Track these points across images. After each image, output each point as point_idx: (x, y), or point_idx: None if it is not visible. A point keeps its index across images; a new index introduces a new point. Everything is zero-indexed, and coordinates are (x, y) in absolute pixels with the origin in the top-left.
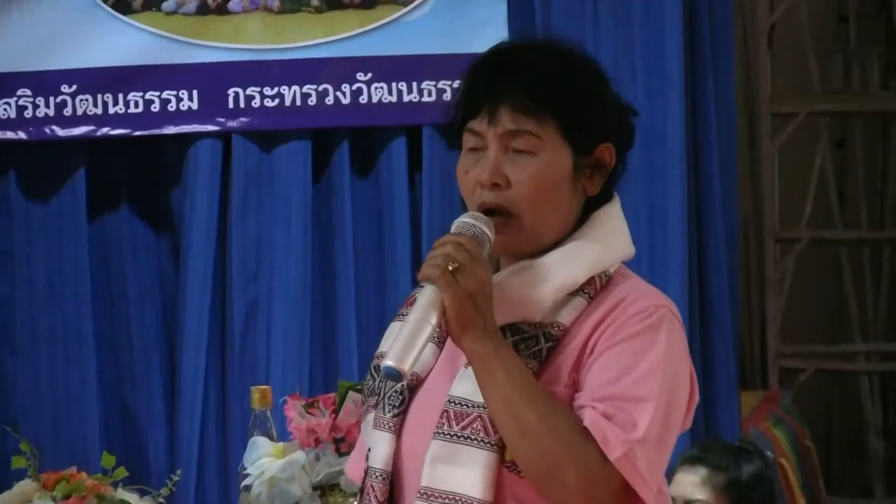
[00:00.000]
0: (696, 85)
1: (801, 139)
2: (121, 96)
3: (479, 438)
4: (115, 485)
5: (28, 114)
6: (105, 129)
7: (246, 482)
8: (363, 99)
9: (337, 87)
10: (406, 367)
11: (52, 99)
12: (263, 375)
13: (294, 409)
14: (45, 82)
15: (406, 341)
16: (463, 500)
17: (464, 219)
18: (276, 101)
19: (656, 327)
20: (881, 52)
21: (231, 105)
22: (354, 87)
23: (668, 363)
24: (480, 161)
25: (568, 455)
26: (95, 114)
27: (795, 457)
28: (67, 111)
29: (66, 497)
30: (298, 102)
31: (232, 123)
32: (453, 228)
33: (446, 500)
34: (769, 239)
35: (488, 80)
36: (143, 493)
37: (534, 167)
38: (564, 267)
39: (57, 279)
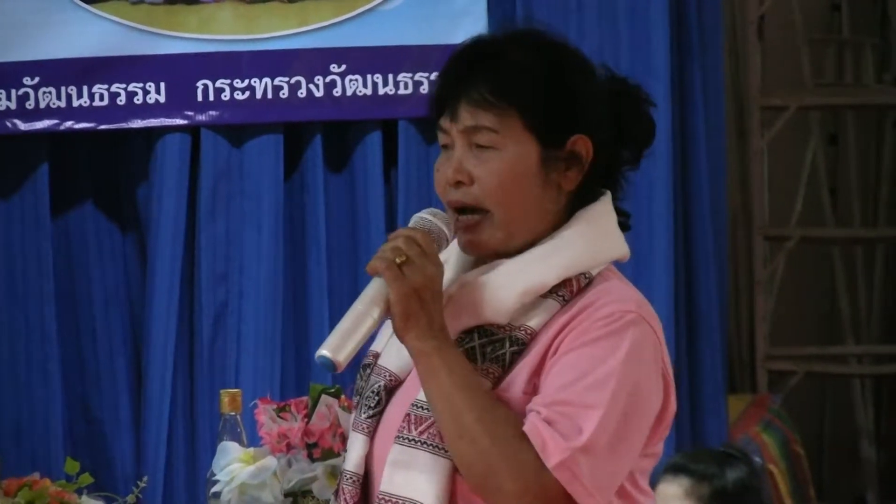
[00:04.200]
0: (684, 77)
1: (792, 134)
2: (85, 89)
3: (434, 444)
4: (79, 492)
5: None
6: (69, 123)
7: (215, 489)
8: (337, 92)
9: (310, 80)
10: (341, 358)
11: (13, 91)
12: (233, 379)
13: (265, 414)
14: (6, 74)
15: (344, 332)
16: None
17: (422, 214)
18: (247, 93)
19: (620, 333)
20: (875, 43)
21: (200, 98)
22: (328, 79)
23: (628, 370)
24: (450, 158)
25: (504, 460)
26: (59, 107)
27: (786, 463)
28: (30, 104)
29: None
30: (270, 95)
31: (201, 117)
32: (410, 223)
33: None
34: (758, 237)
35: (452, 76)
36: (108, 501)
37: (494, 162)
38: (533, 269)
39: (19, 278)
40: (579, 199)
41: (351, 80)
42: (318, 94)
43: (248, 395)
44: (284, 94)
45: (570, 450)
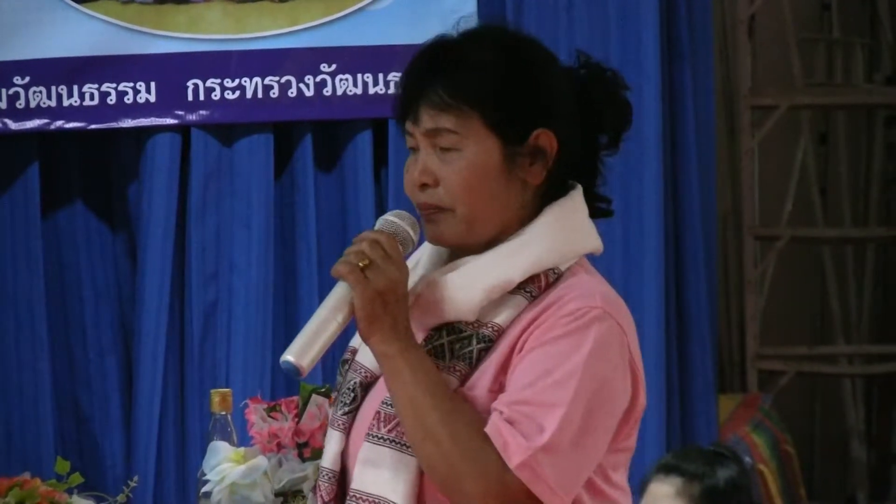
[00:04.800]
0: (674, 77)
1: (783, 133)
2: (75, 88)
3: (402, 442)
4: (69, 491)
5: None
6: (59, 123)
7: (205, 489)
8: (327, 91)
9: (300, 79)
10: (305, 363)
11: (3, 91)
12: (224, 378)
13: (255, 413)
14: None
15: (309, 337)
16: None
17: (387, 216)
18: (237, 93)
19: (584, 329)
20: (865, 43)
21: (190, 98)
22: (318, 78)
23: (592, 366)
24: (416, 161)
25: (466, 461)
26: (49, 106)
27: (776, 463)
28: (20, 103)
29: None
30: (260, 95)
31: (191, 117)
32: (377, 226)
33: None
34: (749, 237)
35: (412, 79)
36: (98, 500)
37: (458, 163)
38: (500, 265)
39: (9, 278)
40: (549, 194)
41: (341, 80)
42: (309, 93)
43: (238, 395)
44: (275, 93)
45: (532, 449)
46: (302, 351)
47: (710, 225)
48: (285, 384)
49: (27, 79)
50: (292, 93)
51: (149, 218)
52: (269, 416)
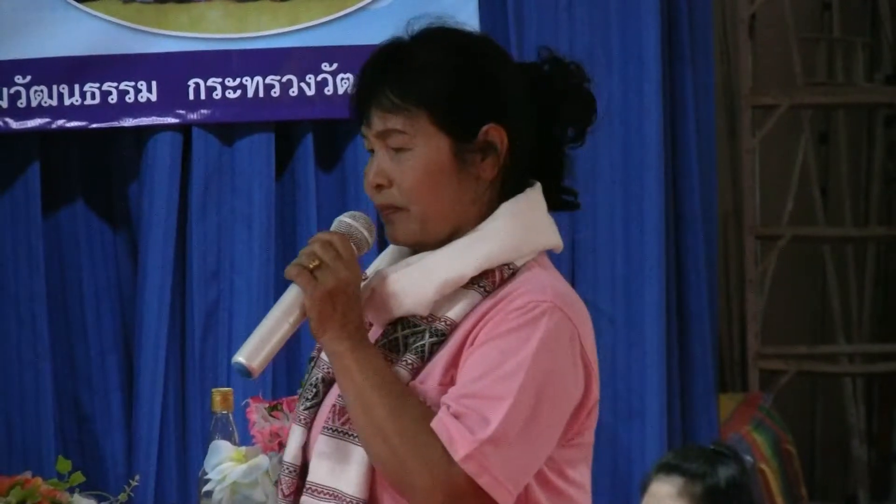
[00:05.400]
0: (675, 76)
1: (783, 132)
2: (77, 87)
3: (355, 434)
4: (71, 490)
5: None
6: (60, 122)
7: (207, 487)
8: (328, 90)
9: (301, 78)
10: (256, 364)
11: (5, 90)
12: (225, 377)
13: (256, 413)
14: None
15: (261, 339)
16: (340, 495)
17: (343, 217)
18: (238, 92)
19: (533, 323)
20: (866, 42)
21: (191, 97)
22: (319, 77)
23: (540, 359)
24: (372, 163)
25: (414, 457)
26: (50, 105)
27: (777, 462)
28: (21, 103)
29: (21, 503)
30: (261, 94)
31: (192, 116)
32: (332, 227)
33: (326, 496)
34: (750, 236)
35: (363, 84)
36: (100, 499)
37: (409, 162)
38: (453, 261)
39: (10, 277)
40: (506, 191)
41: (342, 79)
42: (310, 92)
43: (239, 394)
44: (276, 92)
45: (477, 442)
46: (253, 352)
47: (711, 224)
48: (286, 383)
49: (28, 78)
50: (293, 92)
51: (150, 217)
52: (271, 416)
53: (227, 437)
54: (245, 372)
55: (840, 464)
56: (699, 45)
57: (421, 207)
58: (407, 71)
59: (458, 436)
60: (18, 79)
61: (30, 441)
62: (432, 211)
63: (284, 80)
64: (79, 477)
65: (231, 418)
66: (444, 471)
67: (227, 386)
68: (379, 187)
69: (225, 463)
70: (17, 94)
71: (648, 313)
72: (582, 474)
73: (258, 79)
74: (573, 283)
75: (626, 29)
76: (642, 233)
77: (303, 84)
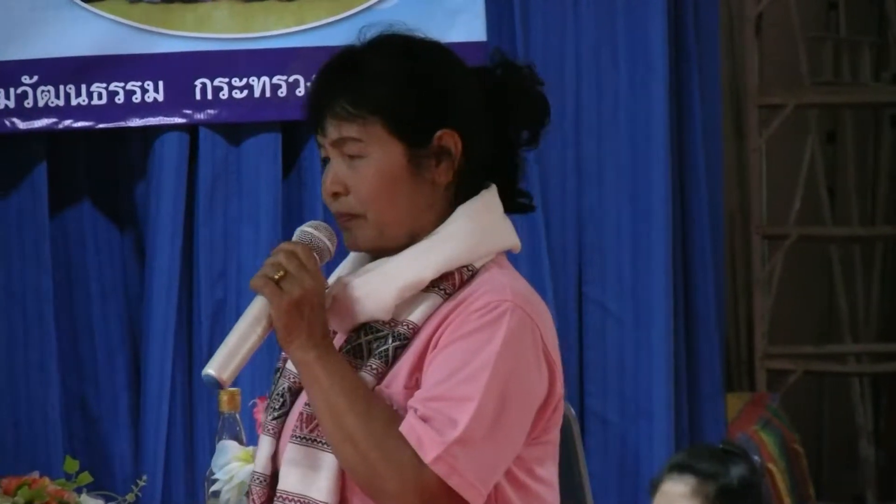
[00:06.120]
0: (681, 76)
1: (790, 132)
2: (83, 87)
3: (323, 441)
4: (78, 490)
5: None
6: (67, 122)
7: (214, 487)
8: None
9: (308, 78)
10: (225, 376)
11: (11, 90)
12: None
13: (263, 413)
14: (4, 73)
15: (229, 351)
16: (311, 502)
17: (304, 227)
18: (245, 92)
19: (494, 323)
20: (872, 41)
21: (198, 97)
22: None
23: (503, 359)
24: (328, 171)
25: (383, 461)
26: (57, 105)
27: (784, 462)
28: (28, 103)
29: (28, 503)
30: (268, 94)
31: (199, 116)
32: (294, 237)
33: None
34: (756, 235)
35: (316, 93)
36: (107, 499)
37: (364, 169)
38: (411, 265)
39: (17, 277)
40: (461, 194)
41: None
42: None
43: (246, 394)
44: (282, 92)
45: (446, 443)
46: (223, 364)
47: (718, 224)
48: None
49: (35, 78)
50: (300, 92)
51: (157, 217)
52: None
53: (235, 436)
54: (215, 384)
55: (847, 463)
56: (706, 44)
57: (377, 214)
58: (360, 79)
59: (426, 438)
60: (25, 79)
61: (37, 441)
62: (388, 217)
63: (291, 80)
64: (86, 477)
65: (238, 418)
66: (415, 474)
67: (234, 386)
68: (336, 195)
69: (232, 463)
70: (24, 95)
71: (656, 313)
72: (550, 472)
73: (265, 79)
74: (580, 284)
75: (632, 28)
76: (649, 233)
77: (309, 84)
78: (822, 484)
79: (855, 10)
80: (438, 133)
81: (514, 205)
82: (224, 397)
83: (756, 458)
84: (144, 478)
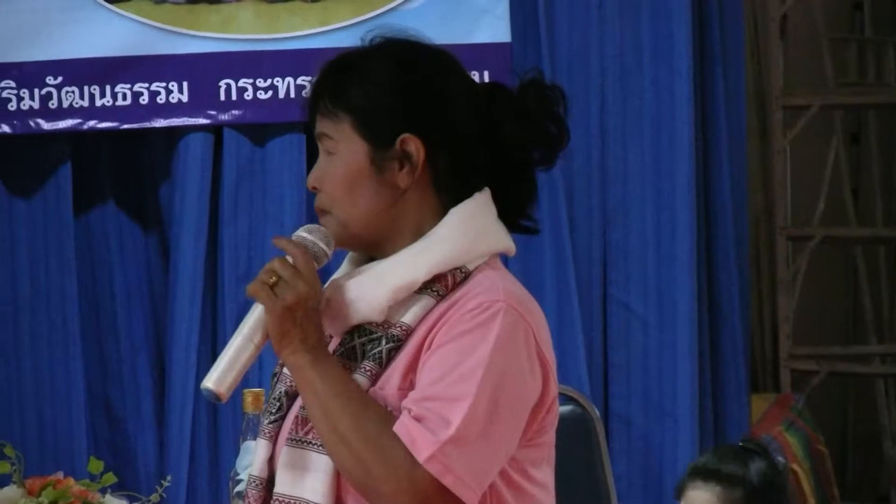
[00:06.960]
0: (706, 77)
1: (815, 133)
2: (108, 88)
3: (318, 443)
4: (102, 491)
5: (12, 106)
6: (92, 123)
7: (238, 488)
8: None
9: None
10: (224, 389)
11: (36, 91)
12: (256, 378)
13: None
14: (29, 74)
15: (228, 363)
16: None
17: (300, 232)
18: (269, 93)
19: (487, 323)
20: None
21: (222, 97)
22: None
23: (497, 359)
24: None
25: (378, 462)
26: (82, 106)
27: (809, 462)
28: (53, 104)
29: (53, 503)
30: (292, 94)
31: (223, 116)
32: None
33: None
34: (781, 236)
35: (312, 91)
36: (131, 500)
37: (330, 166)
38: (403, 266)
39: (42, 277)
40: (454, 197)
41: None
42: None
43: None
44: (307, 93)
45: (439, 443)
46: (221, 378)
47: (742, 225)
48: None
49: (60, 79)
50: None
51: (181, 218)
52: None
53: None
54: (214, 397)
55: (872, 464)
56: (730, 45)
57: (340, 211)
58: (345, 79)
59: (420, 438)
60: (50, 80)
61: (62, 441)
62: (349, 215)
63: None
64: (110, 477)
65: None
66: (409, 473)
67: (258, 386)
68: (315, 189)
69: None
70: (49, 95)
71: (680, 314)
72: (545, 474)
73: (289, 79)
74: (605, 285)
75: (657, 29)
76: (673, 234)
77: None
78: (846, 485)
79: (880, 11)
80: (401, 137)
81: (517, 227)
82: (248, 398)
83: (780, 458)
84: (169, 478)
